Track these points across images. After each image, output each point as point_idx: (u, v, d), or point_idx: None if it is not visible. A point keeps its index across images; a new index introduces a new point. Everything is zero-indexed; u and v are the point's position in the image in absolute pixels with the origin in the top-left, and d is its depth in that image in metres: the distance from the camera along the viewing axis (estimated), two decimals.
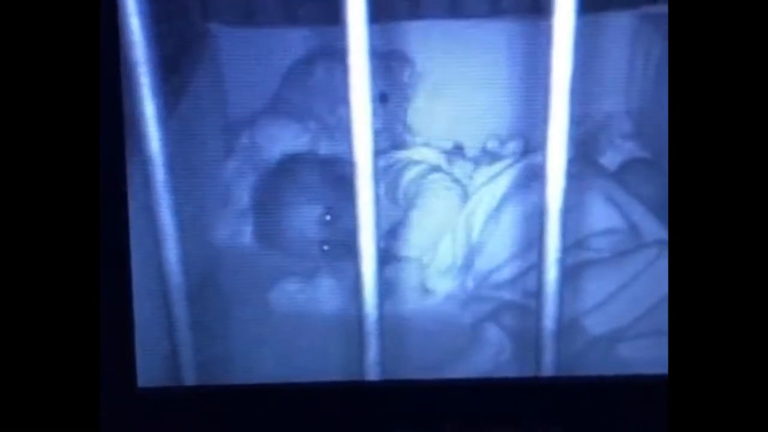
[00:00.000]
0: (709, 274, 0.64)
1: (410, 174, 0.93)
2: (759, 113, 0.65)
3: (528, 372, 0.86)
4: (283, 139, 0.96)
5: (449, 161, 0.96)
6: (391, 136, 0.96)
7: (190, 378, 0.85)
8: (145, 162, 0.82)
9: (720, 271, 0.64)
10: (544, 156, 0.81)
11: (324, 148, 0.96)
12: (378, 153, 0.81)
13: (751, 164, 0.64)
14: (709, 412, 0.62)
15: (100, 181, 0.74)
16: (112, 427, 0.79)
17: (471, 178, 0.95)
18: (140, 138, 0.81)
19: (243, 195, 0.95)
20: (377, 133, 0.80)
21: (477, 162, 0.97)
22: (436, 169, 0.94)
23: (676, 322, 0.64)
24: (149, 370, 0.85)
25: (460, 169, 0.96)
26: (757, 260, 0.63)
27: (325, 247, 0.95)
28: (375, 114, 0.79)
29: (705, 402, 0.63)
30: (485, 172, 0.96)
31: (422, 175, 0.93)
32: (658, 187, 1.00)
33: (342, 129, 0.84)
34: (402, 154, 0.94)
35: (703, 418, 0.62)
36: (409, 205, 0.93)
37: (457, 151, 0.98)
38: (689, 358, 0.63)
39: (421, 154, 0.95)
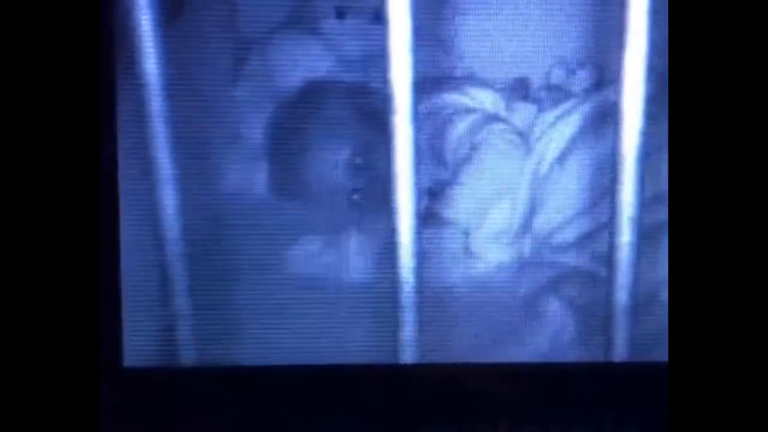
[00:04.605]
0: (711, 259, 0.64)
1: (462, 125, 0.85)
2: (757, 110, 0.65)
3: (596, 356, 0.85)
4: (304, 63, 0.87)
5: (508, 105, 0.87)
6: (434, 65, 0.86)
7: (187, 357, 0.83)
8: (138, 87, 0.78)
9: (721, 255, 0.64)
10: (618, 91, 0.79)
11: (353, 76, 0.86)
12: (418, 86, 0.77)
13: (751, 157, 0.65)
14: (710, 399, 0.64)
15: (85, 111, 0.66)
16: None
17: (533, 124, 0.86)
18: (133, 57, 0.78)
19: (255, 131, 0.86)
20: (417, 61, 0.77)
21: (539, 102, 0.87)
22: (493, 118, 0.86)
23: (677, 309, 0.64)
24: (138, 346, 0.82)
25: (521, 114, 0.87)
26: (758, 248, 0.64)
27: (355, 197, 0.87)
28: (416, 35, 0.76)
29: (706, 389, 0.64)
30: (550, 114, 0.87)
31: (477, 127, 0.85)
32: None
33: (376, 53, 0.81)
34: (449, 97, 0.86)
35: (704, 405, 0.63)
36: (461, 161, 0.85)
37: (516, 88, 0.89)
38: (690, 345, 0.64)
39: (473, 98, 0.86)
